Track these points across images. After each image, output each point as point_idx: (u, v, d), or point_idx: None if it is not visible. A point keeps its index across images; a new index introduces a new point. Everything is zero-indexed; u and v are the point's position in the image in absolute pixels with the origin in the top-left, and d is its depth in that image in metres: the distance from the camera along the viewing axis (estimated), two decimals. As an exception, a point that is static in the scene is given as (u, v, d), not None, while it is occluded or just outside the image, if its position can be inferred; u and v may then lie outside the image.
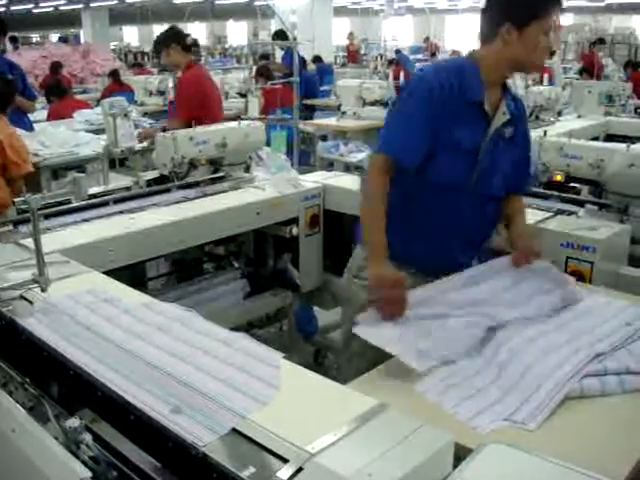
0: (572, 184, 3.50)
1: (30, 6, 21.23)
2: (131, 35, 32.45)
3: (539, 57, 2.17)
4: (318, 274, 3.58)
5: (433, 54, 16.02)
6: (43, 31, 28.26)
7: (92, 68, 14.15)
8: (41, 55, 13.81)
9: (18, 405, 1.53)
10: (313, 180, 3.61)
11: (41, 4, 21.20)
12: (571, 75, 11.21)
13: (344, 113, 7.66)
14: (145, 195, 3.34)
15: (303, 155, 6.84)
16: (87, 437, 1.37)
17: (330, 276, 3.63)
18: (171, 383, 1.48)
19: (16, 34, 17.96)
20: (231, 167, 3.81)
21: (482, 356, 1.85)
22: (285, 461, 1.21)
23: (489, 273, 2.16)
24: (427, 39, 19.67)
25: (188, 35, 4.58)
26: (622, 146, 3.03)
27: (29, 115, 5.78)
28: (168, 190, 3.44)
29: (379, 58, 12.26)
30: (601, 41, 13.06)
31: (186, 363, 1.56)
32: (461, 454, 1.26)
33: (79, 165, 5.00)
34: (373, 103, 7.59)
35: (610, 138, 5.64)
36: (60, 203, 3.08)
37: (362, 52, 19.02)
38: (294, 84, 6.19)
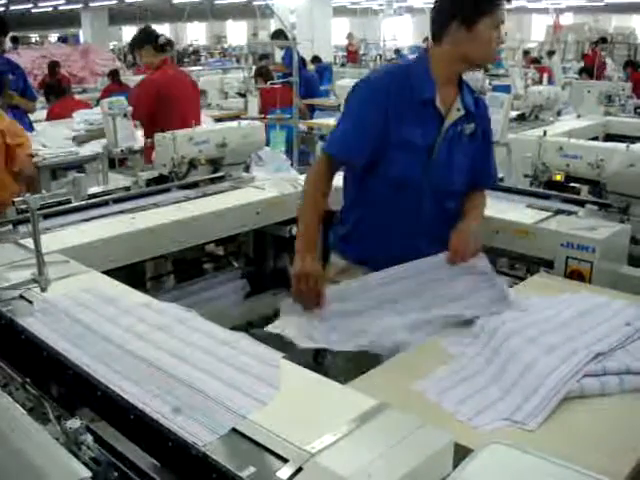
0: (572, 184, 3.50)
1: (29, 6, 21.22)
2: (130, 35, 32.47)
3: (489, 52, 2.22)
4: (318, 274, 3.57)
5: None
6: (42, 31, 28.25)
7: (91, 68, 14.14)
8: (40, 55, 13.80)
9: (18, 405, 1.52)
10: (313, 180, 3.60)
11: (40, 4, 21.20)
12: (571, 75, 11.21)
13: (344, 113, 7.64)
14: (145, 195, 3.33)
15: (302, 155, 6.84)
16: (88, 438, 1.37)
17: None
18: (171, 383, 1.48)
19: (15, 34, 17.98)
20: (231, 167, 3.80)
21: (482, 356, 1.85)
22: (285, 461, 1.21)
23: (417, 270, 2.17)
24: (426, 39, 19.67)
25: (160, 35, 4.59)
26: (622, 146, 3.03)
27: (29, 115, 5.77)
28: (168, 190, 3.44)
29: (378, 58, 12.26)
30: (603, 40, 13.05)
31: (186, 363, 1.56)
32: (461, 454, 1.26)
33: (79, 165, 5.00)
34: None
35: (609, 138, 5.64)
36: (60, 203, 3.07)
37: (361, 52, 19.01)
38: (294, 84, 6.18)
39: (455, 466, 1.23)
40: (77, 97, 8.38)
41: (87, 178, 3.48)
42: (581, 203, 3.00)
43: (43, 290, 1.91)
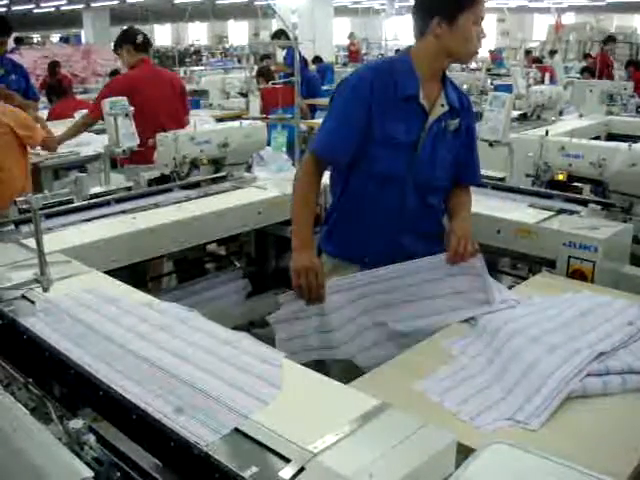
0: (575, 183, 3.50)
1: (31, 6, 21.25)
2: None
3: (471, 46, 2.22)
4: (319, 274, 3.57)
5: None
6: (44, 31, 28.27)
7: (93, 68, 14.15)
8: (42, 55, 13.81)
9: (20, 405, 1.52)
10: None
11: (42, 4, 21.23)
12: (572, 74, 11.20)
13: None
14: (146, 195, 3.33)
15: (304, 155, 6.84)
16: (90, 438, 1.37)
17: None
18: (173, 383, 1.48)
19: (17, 34, 17.99)
20: (232, 167, 3.80)
21: (484, 355, 1.85)
22: (287, 461, 1.21)
23: (412, 270, 2.18)
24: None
25: (138, 35, 4.64)
26: (624, 145, 3.02)
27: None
28: (170, 190, 3.44)
29: (380, 57, 12.23)
30: (611, 39, 13.00)
31: (188, 363, 1.56)
32: (463, 454, 1.26)
33: (80, 165, 5.00)
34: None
35: (612, 137, 5.63)
36: (61, 203, 3.07)
37: (363, 52, 19.01)
38: (295, 84, 6.18)
39: (457, 466, 1.23)
40: (79, 97, 8.38)
41: (89, 178, 3.48)
42: (584, 203, 3.00)
43: (45, 290, 1.91)
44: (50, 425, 1.47)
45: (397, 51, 14.42)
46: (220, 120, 6.31)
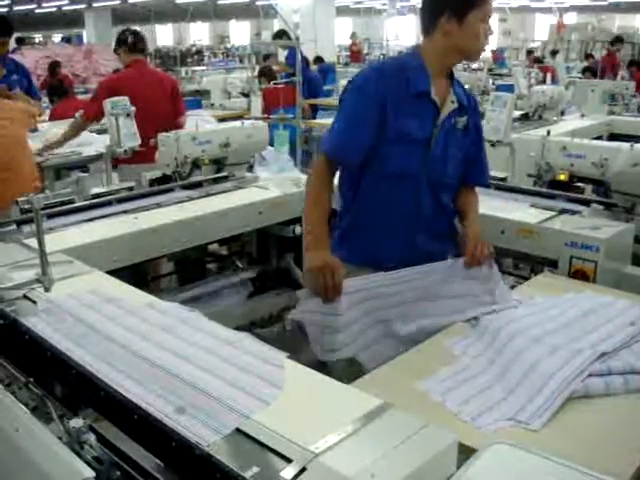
0: (578, 183, 3.49)
1: (33, 6, 21.26)
2: (134, 35, 32.43)
3: (479, 44, 2.23)
4: (321, 274, 3.57)
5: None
6: (46, 31, 28.30)
7: (95, 68, 14.17)
8: (44, 55, 13.83)
9: (21, 405, 1.52)
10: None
11: (44, 4, 21.24)
12: (574, 74, 11.20)
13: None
14: (148, 195, 3.34)
15: (305, 155, 6.84)
16: (91, 437, 1.37)
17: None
18: (174, 383, 1.48)
19: (19, 34, 17.99)
20: (234, 167, 3.80)
21: (486, 355, 1.85)
22: (289, 461, 1.21)
23: (426, 273, 2.17)
24: (430, 39, 19.63)
25: (129, 36, 4.73)
26: (626, 145, 3.02)
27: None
28: (171, 190, 3.44)
29: (382, 57, 12.25)
30: (619, 40, 12.98)
31: (189, 363, 1.56)
32: (465, 454, 1.26)
33: (82, 165, 5.00)
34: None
35: (613, 137, 5.63)
36: (63, 203, 3.08)
37: (365, 52, 19.01)
38: (297, 84, 6.18)
39: (459, 466, 1.23)
40: (80, 97, 8.39)
41: (90, 178, 3.49)
42: (586, 203, 3.00)
43: (47, 290, 1.91)
44: (51, 424, 1.47)
45: (400, 52, 14.46)
46: (222, 120, 6.32)
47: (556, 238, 2.56)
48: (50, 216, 2.86)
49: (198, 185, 3.53)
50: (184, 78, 11.41)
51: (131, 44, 4.68)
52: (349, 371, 2.06)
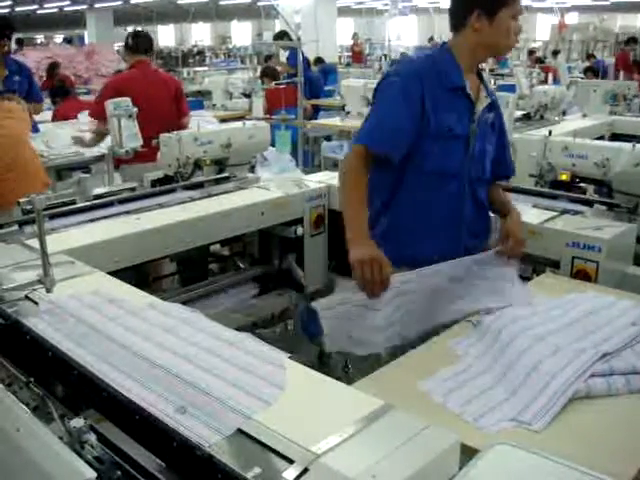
0: (580, 184, 3.49)
1: (34, 7, 21.28)
2: (135, 36, 32.45)
3: (509, 41, 2.25)
4: (323, 274, 3.57)
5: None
6: (47, 32, 28.33)
7: (96, 69, 14.18)
8: (45, 56, 13.84)
9: (23, 406, 1.52)
10: (317, 180, 3.60)
11: (45, 5, 21.26)
12: (576, 74, 11.19)
13: (348, 113, 7.65)
14: (150, 195, 3.34)
15: (307, 155, 6.85)
16: (91, 437, 1.37)
17: (335, 276, 3.62)
18: (176, 383, 1.48)
19: (20, 35, 18.00)
20: (236, 167, 3.81)
21: (488, 356, 1.85)
22: (291, 462, 1.21)
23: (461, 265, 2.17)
24: (431, 39, 19.66)
25: (130, 37, 4.81)
26: (628, 145, 3.02)
27: (34, 116, 5.77)
28: (173, 190, 3.44)
29: (383, 58, 12.24)
30: (633, 40, 12.95)
31: (191, 363, 1.56)
32: (467, 455, 1.26)
33: (84, 166, 5.01)
34: (377, 103, 7.57)
35: (615, 137, 5.63)
36: (65, 203, 3.08)
37: (366, 52, 19.01)
38: (299, 84, 6.19)
39: (461, 467, 1.22)
40: (82, 98, 8.40)
41: (92, 179, 3.48)
42: (589, 203, 3.00)
43: (48, 291, 1.91)
44: (52, 424, 1.47)
45: (402, 54, 14.45)
46: (223, 121, 6.33)
47: (558, 238, 2.56)
48: (52, 217, 2.86)
49: (200, 186, 3.53)
50: (186, 79, 11.43)
51: (133, 45, 4.73)
52: (367, 364, 2.04)
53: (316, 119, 8.44)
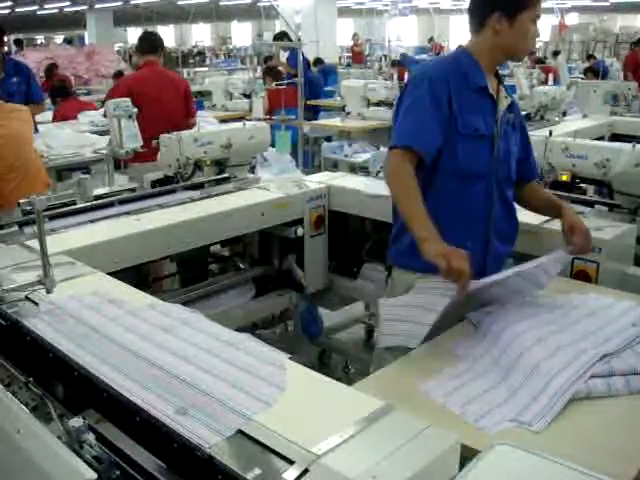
0: (581, 184, 3.49)
1: (34, 8, 21.27)
2: (135, 36, 32.51)
3: (528, 45, 2.27)
4: (323, 275, 3.58)
5: (438, 54, 16.01)
6: (48, 33, 28.33)
7: (97, 69, 14.17)
8: (46, 57, 13.83)
9: (23, 406, 1.52)
10: (318, 181, 3.60)
11: (45, 6, 21.25)
12: (576, 75, 11.19)
13: (348, 114, 7.66)
14: (150, 196, 3.34)
15: (307, 156, 6.84)
16: (90, 437, 1.37)
17: (335, 277, 3.63)
18: (176, 384, 1.48)
19: (20, 36, 17.99)
20: (236, 168, 3.81)
21: (488, 356, 1.85)
22: (291, 462, 1.21)
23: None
24: (431, 39, 19.67)
25: (141, 38, 4.92)
26: (628, 146, 3.02)
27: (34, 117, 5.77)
28: (173, 191, 3.44)
29: (383, 59, 12.24)
30: None
31: (191, 364, 1.56)
32: (467, 455, 1.26)
33: (84, 166, 5.01)
34: (378, 104, 7.59)
35: (615, 138, 5.63)
36: (65, 204, 3.08)
37: (366, 53, 19.00)
38: (299, 85, 6.19)
39: (461, 468, 1.22)
40: (82, 99, 8.40)
41: (92, 179, 3.48)
42: (588, 203, 2.99)
43: (48, 292, 1.91)
44: (51, 424, 1.47)
45: (403, 54, 14.44)
46: (223, 121, 6.33)
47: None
48: (52, 217, 2.86)
49: (200, 186, 3.53)
50: (186, 79, 11.40)
51: (144, 45, 4.81)
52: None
53: (316, 120, 8.44)
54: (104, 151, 4.16)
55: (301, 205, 3.37)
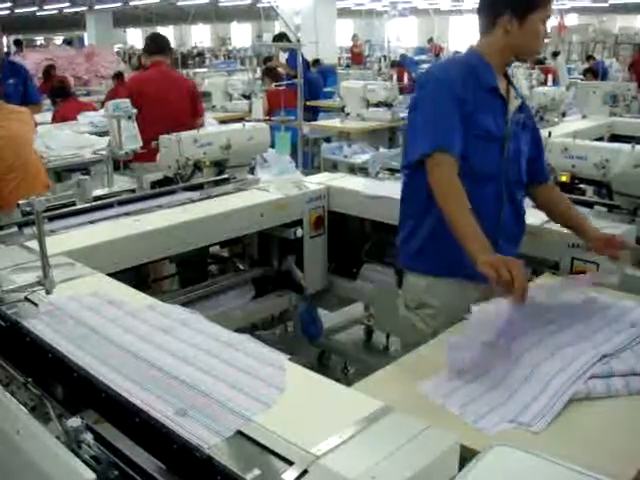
0: (580, 185, 3.49)
1: (34, 9, 21.28)
2: (135, 37, 32.51)
3: (537, 45, 2.27)
4: (323, 276, 3.58)
5: (437, 55, 16.01)
6: (47, 34, 28.34)
7: (96, 70, 14.18)
8: (45, 58, 13.83)
9: (22, 407, 1.52)
10: (317, 182, 3.61)
11: (45, 7, 21.26)
12: (575, 76, 11.19)
13: (348, 115, 7.66)
14: (149, 197, 3.34)
15: (306, 157, 6.84)
16: (88, 437, 1.37)
17: (335, 278, 3.63)
18: (175, 385, 1.48)
19: (20, 37, 17.99)
20: (235, 169, 3.81)
21: (487, 357, 1.84)
22: (290, 463, 1.21)
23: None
24: (431, 40, 19.67)
25: (150, 39, 4.98)
26: (627, 146, 3.02)
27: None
28: (173, 192, 3.44)
29: (383, 59, 12.23)
30: None
31: (190, 365, 1.56)
32: (467, 456, 1.26)
33: (83, 167, 5.01)
34: (377, 104, 7.59)
35: (615, 138, 5.63)
36: (65, 205, 3.08)
37: (366, 54, 19.00)
38: (298, 86, 6.19)
39: (460, 468, 1.22)
40: (82, 99, 8.39)
41: (92, 180, 3.48)
42: (588, 204, 2.99)
43: (48, 292, 1.91)
44: (49, 424, 1.47)
45: (402, 55, 14.44)
46: (223, 122, 6.33)
47: (558, 239, 2.56)
48: (51, 218, 2.86)
49: (199, 187, 3.53)
50: (192, 80, 11.40)
51: (152, 46, 4.86)
52: None
53: (316, 121, 8.44)
54: (103, 152, 4.17)
55: (300, 206, 3.37)
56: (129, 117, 3.71)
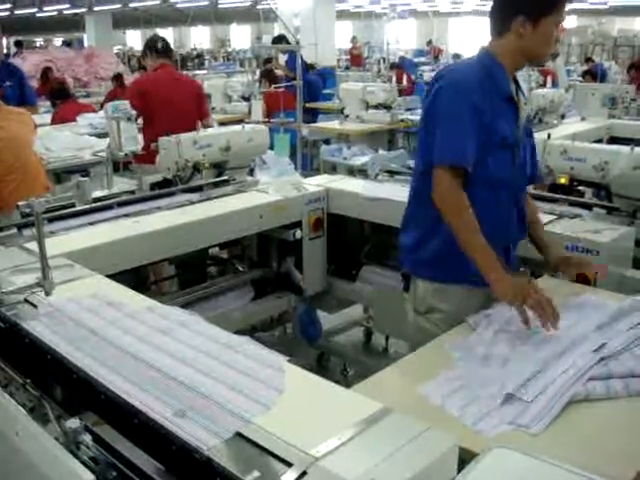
0: (579, 187, 3.49)
1: (34, 10, 21.29)
2: (134, 39, 32.51)
3: (549, 49, 2.25)
4: (322, 277, 3.58)
5: (436, 57, 16.02)
6: (47, 35, 28.34)
7: (96, 72, 14.19)
8: (45, 59, 13.84)
9: (21, 408, 1.52)
10: (316, 183, 3.61)
11: (45, 8, 21.25)
12: (574, 78, 11.20)
13: (347, 116, 7.66)
14: (149, 199, 3.34)
15: (305, 158, 6.85)
16: (87, 438, 1.37)
17: (334, 279, 3.63)
18: (175, 387, 1.48)
19: (20, 38, 17.99)
20: (234, 171, 3.81)
21: (486, 359, 1.85)
22: (289, 465, 1.21)
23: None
24: (430, 42, 19.67)
25: (157, 41, 4.94)
26: (626, 148, 3.02)
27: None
28: (172, 194, 3.44)
29: (382, 62, 12.24)
30: None
31: (190, 367, 1.56)
32: (466, 458, 1.26)
33: (83, 169, 5.01)
34: (376, 106, 7.59)
35: (614, 140, 5.64)
36: (64, 207, 3.08)
37: (365, 55, 19.01)
38: (297, 88, 6.20)
39: (459, 470, 1.22)
40: (81, 101, 8.40)
41: (91, 182, 3.49)
42: (587, 206, 3.00)
43: (47, 294, 1.91)
44: (48, 425, 1.47)
45: (401, 57, 14.43)
46: (222, 124, 6.33)
47: (557, 242, 2.56)
48: (51, 220, 2.86)
49: (199, 189, 3.53)
50: (198, 81, 11.38)
51: (160, 48, 4.87)
52: None
53: (315, 122, 8.44)
54: (103, 154, 4.17)
55: (300, 208, 3.37)
56: (129, 119, 3.71)
